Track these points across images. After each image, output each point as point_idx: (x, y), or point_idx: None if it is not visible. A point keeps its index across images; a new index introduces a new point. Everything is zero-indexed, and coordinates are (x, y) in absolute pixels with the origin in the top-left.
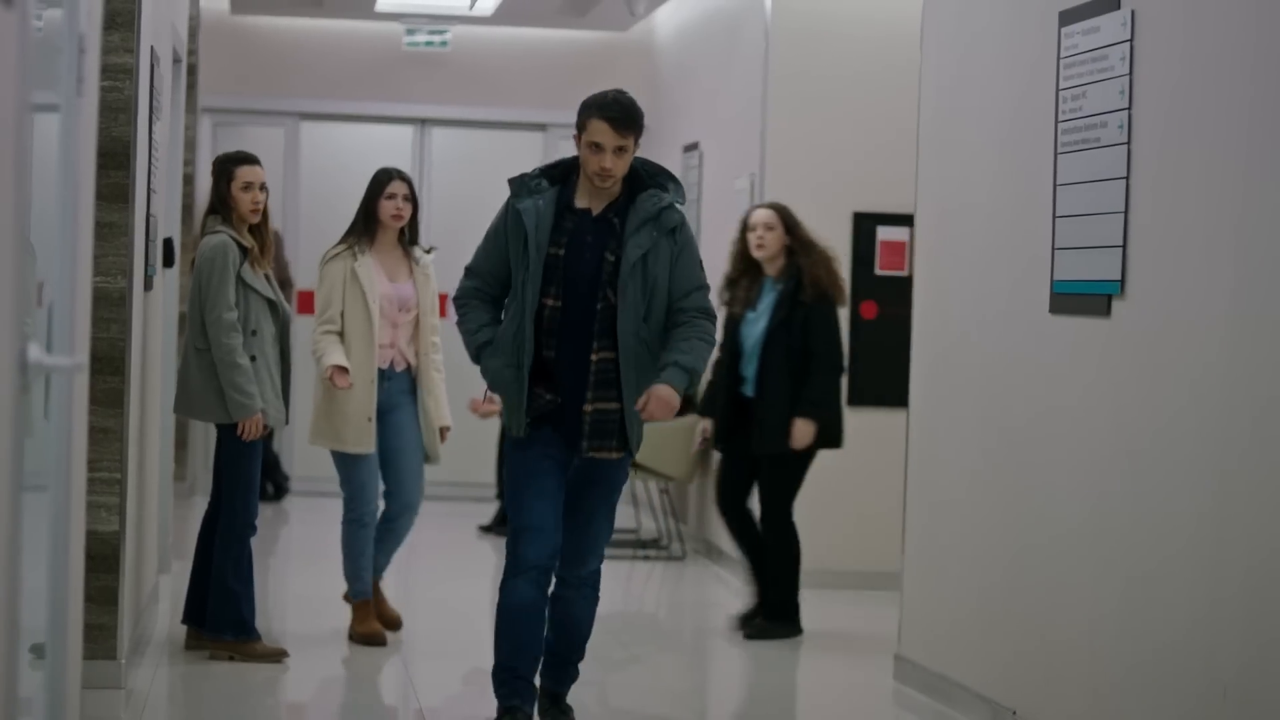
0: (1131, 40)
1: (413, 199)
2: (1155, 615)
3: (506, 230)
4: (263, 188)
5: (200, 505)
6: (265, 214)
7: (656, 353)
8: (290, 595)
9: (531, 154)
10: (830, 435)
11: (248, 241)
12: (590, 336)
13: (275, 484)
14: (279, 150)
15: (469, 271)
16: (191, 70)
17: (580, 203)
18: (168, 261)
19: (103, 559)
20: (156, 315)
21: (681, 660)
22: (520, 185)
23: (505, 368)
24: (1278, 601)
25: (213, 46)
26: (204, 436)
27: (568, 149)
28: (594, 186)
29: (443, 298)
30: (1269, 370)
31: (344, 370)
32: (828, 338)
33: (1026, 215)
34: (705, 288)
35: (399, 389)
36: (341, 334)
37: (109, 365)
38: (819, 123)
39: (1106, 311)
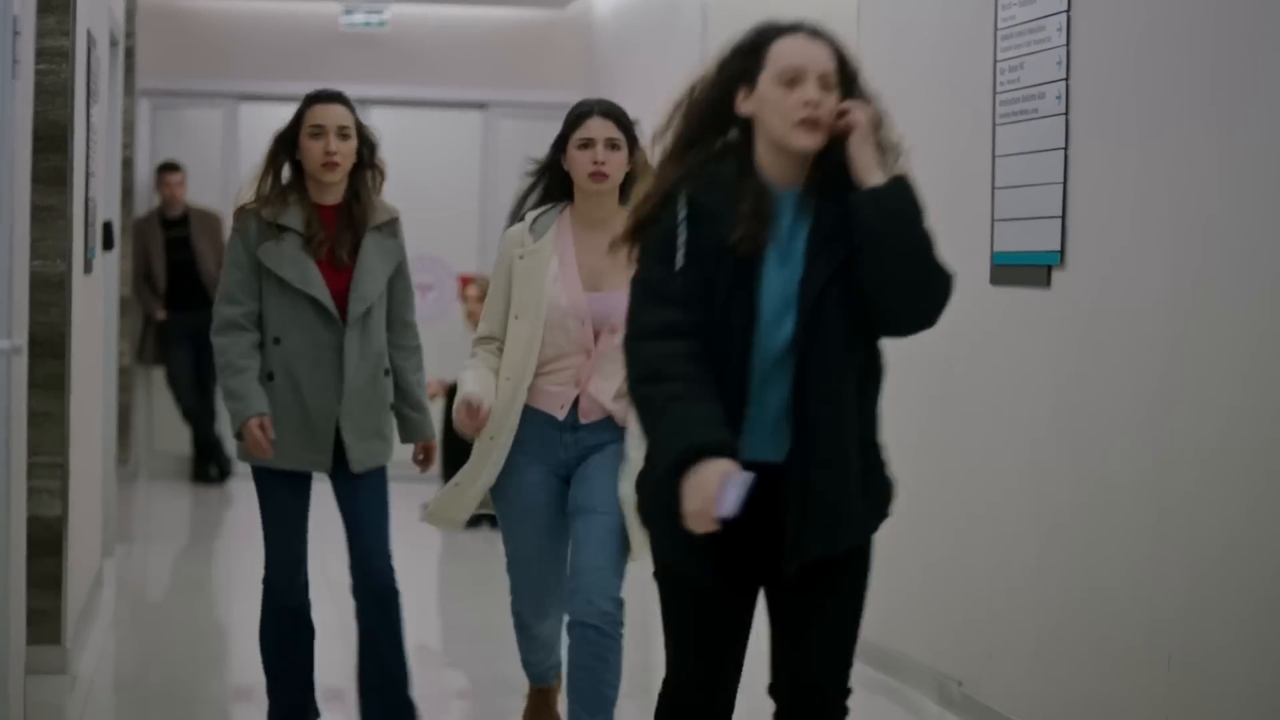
0: (1069, 11)
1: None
2: (1098, 585)
3: None
4: (343, 133)
5: (144, 489)
6: (365, 173)
7: None
8: (234, 577)
9: (472, 133)
10: None
11: (293, 216)
12: None
13: (218, 466)
14: (218, 132)
15: None
16: (129, 53)
17: None
18: (107, 245)
19: (45, 543)
20: (96, 299)
21: (630, 638)
22: None
23: None
24: (1219, 570)
25: (150, 29)
26: (147, 421)
27: (510, 128)
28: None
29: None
30: (1207, 338)
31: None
32: None
33: (966, 187)
34: None
35: None
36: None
37: (49, 349)
38: None
39: (1046, 282)
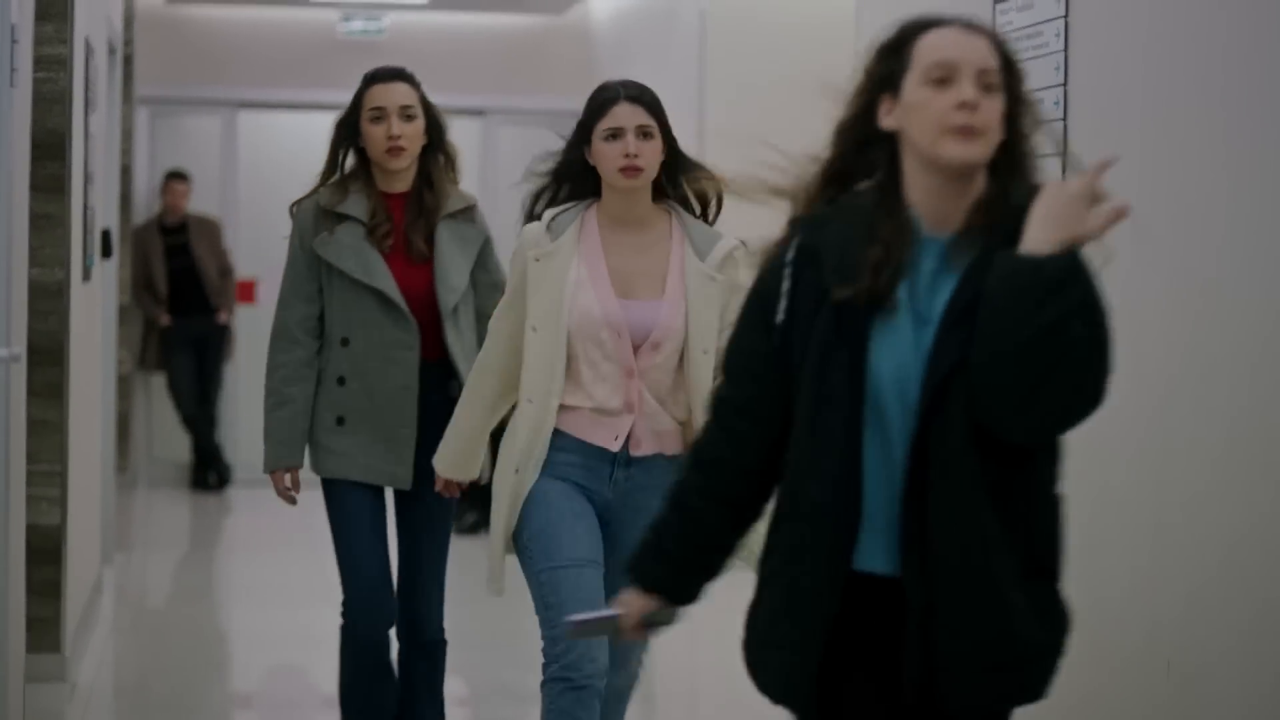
0: (1066, 16)
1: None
2: (1097, 590)
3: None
4: (407, 114)
5: (144, 497)
6: (437, 157)
7: None
8: (236, 586)
9: (470, 140)
10: None
11: (355, 204)
12: None
13: (218, 474)
14: (216, 140)
15: None
16: (127, 60)
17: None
18: (106, 252)
19: (44, 551)
20: (95, 306)
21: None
22: None
23: None
24: (1219, 575)
25: (148, 36)
26: (146, 428)
27: (509, 135)
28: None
29: None
30: (1208, 343)
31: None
32: None
33: None
34: None
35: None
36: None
37: (48, 357)
38: (756, 107)
39: None
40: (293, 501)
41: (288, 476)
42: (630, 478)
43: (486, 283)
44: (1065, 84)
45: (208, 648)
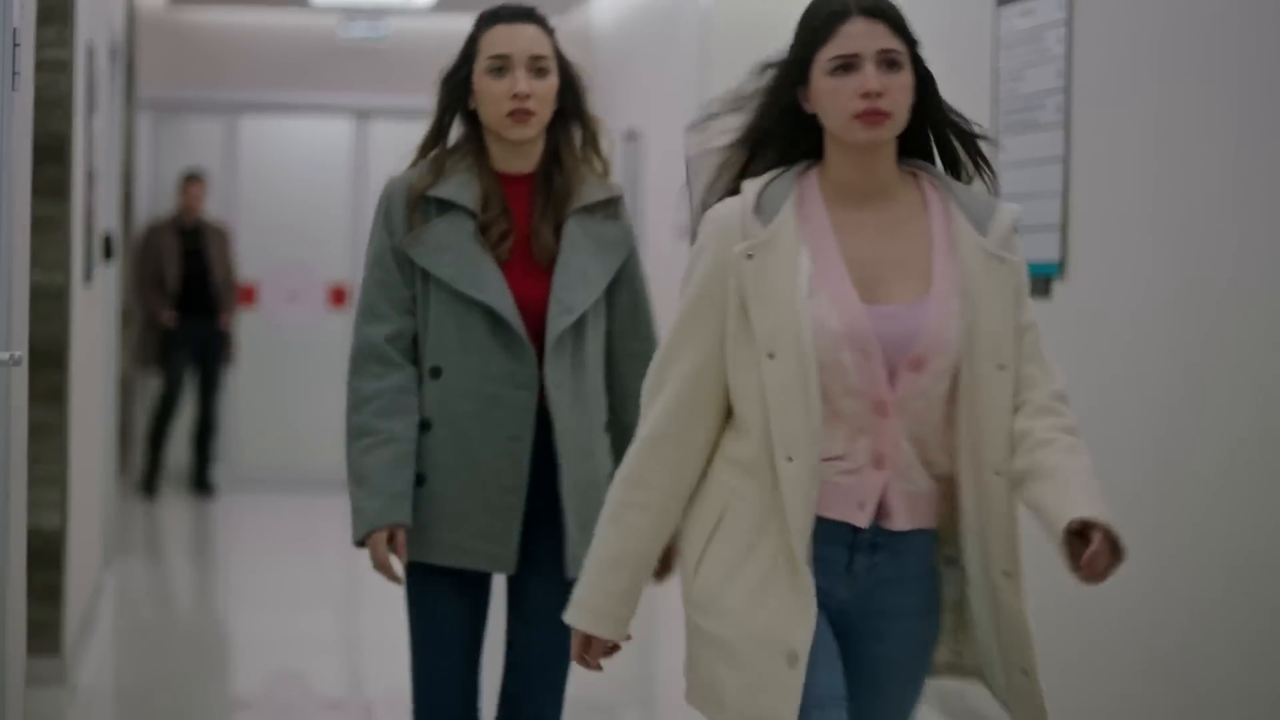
0: (1069, 21)
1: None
2: (1100, 599)
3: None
4: (538, 67)
5: (145, 501)
6: (570, 128)
7: None
8: (237, 590)
9: None
10: None
11: (460, 188)
12: None
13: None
14: (217, 143)
15: None
16: (129, 64)
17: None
18: (107, 255)
19: (45, 555)
20: (97, 310)
21: (629, 647)
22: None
23: None
24: (1223, 585)
25: (150, 40)
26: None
27: None
28: None
29: None
30: (1208, 349)
31: None
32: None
33: None
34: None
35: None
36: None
37: (50, 360)
38: None
39: (1046, 293)
40: (396, 577)
41: (391, 538)
42: (874, 569)
43: (628, 305)
44: (1067, 89)
45: (208, 652)
